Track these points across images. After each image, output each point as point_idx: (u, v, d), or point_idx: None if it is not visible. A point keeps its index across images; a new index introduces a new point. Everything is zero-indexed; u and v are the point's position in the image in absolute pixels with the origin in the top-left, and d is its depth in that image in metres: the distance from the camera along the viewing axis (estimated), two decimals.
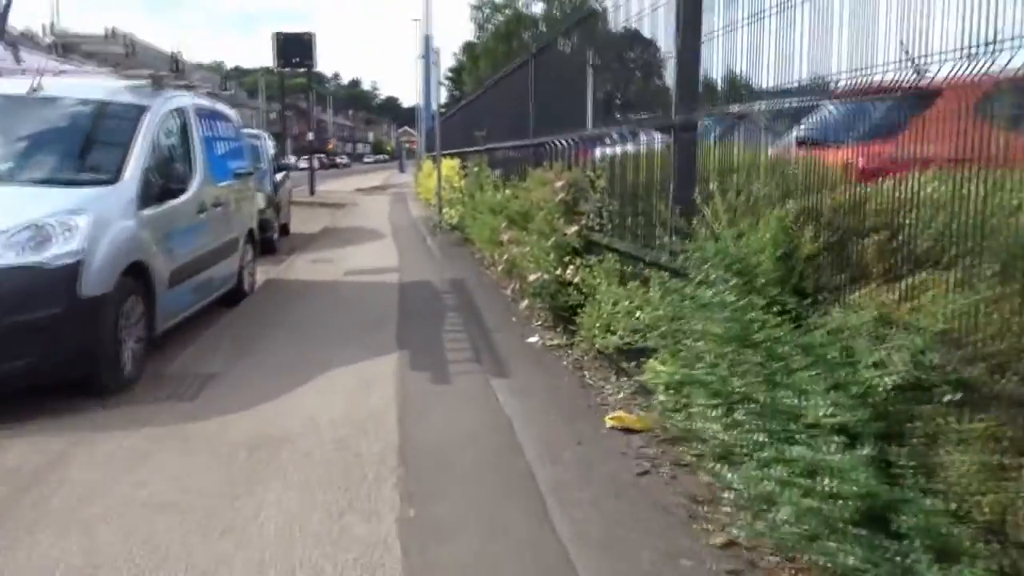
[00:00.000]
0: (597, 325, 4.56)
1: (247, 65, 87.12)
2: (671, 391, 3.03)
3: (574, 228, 5.06)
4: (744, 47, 3.27)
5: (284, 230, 14.38)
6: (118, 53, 12.81)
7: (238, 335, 6.00)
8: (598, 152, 6.58)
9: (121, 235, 4.73)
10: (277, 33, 23.57)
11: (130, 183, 5.05)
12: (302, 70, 23.98)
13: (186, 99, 6.63)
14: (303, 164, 70.31)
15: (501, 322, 6.20)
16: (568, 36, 6.35)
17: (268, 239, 11.80)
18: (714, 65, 3.59)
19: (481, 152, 10.53)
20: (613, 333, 4.08)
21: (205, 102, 7.64)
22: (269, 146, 13.54)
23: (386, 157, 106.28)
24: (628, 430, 3.70)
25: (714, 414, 2.64)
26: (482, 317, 6.49)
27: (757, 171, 3.19)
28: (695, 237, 3.05)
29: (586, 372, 4.75)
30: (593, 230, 5.03)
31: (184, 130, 6.35)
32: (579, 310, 5.02)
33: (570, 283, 5.08)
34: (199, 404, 4.30)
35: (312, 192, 24.58)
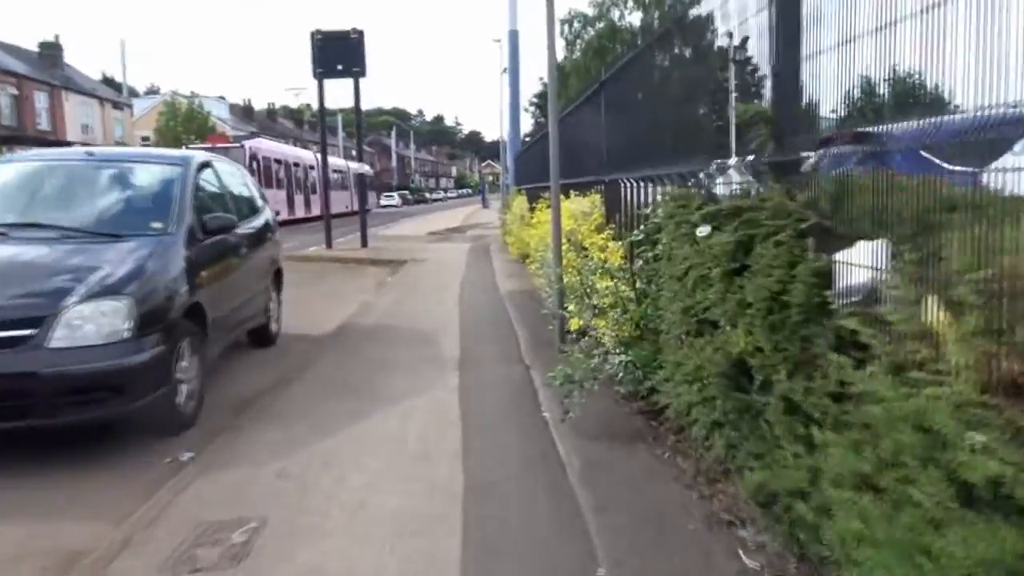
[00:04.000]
0: None
1: (331, 106, 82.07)
2: None
3: None
4: None
5: (262, 337, 7.18)
6: None
7: None
8: None
9: None
10: (315, 32, 16.78)
11: None
12: (348, 79, 17.07)
13: None
14: (386, 201, 65.33)
15: None
16: None
17: (161, 410, 4.60)
18: None
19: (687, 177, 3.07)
20: None
21: None
22: (200, 179, 6.24)
23: (469, 191, 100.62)
24: None
25: None
26: None
27: None
28: None
29: None
30: None
31: None
32: None
33: None
34: None
35: (364, 243, 17.53)
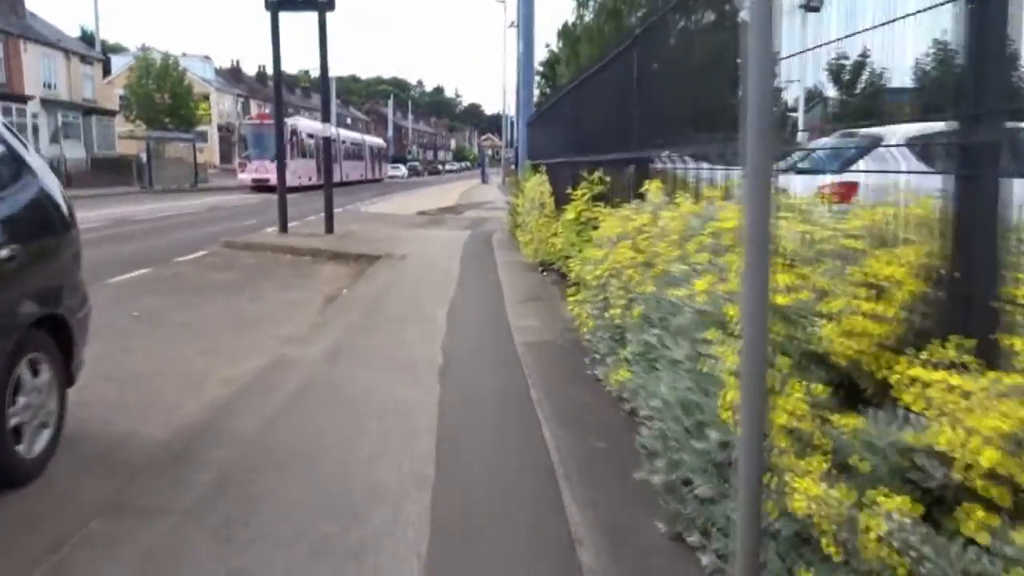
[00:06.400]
0: None
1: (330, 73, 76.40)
2: None
3: None
4: None
5: None
6: None
7: None
8: None
9: None
10: None
11: None
12: (313, 12, 12.69)
13: None
14: (392, 172, 60.46)
15: None
16: None
17: None
18: None
19: None
20: None
21: None
22: None
23: (468, 164, 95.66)
24: None
25: None
26: None
27: None
28: None
29: None
30: None
31: None
32: None
33: None
34: None
35: (330, 228, 13.24)
